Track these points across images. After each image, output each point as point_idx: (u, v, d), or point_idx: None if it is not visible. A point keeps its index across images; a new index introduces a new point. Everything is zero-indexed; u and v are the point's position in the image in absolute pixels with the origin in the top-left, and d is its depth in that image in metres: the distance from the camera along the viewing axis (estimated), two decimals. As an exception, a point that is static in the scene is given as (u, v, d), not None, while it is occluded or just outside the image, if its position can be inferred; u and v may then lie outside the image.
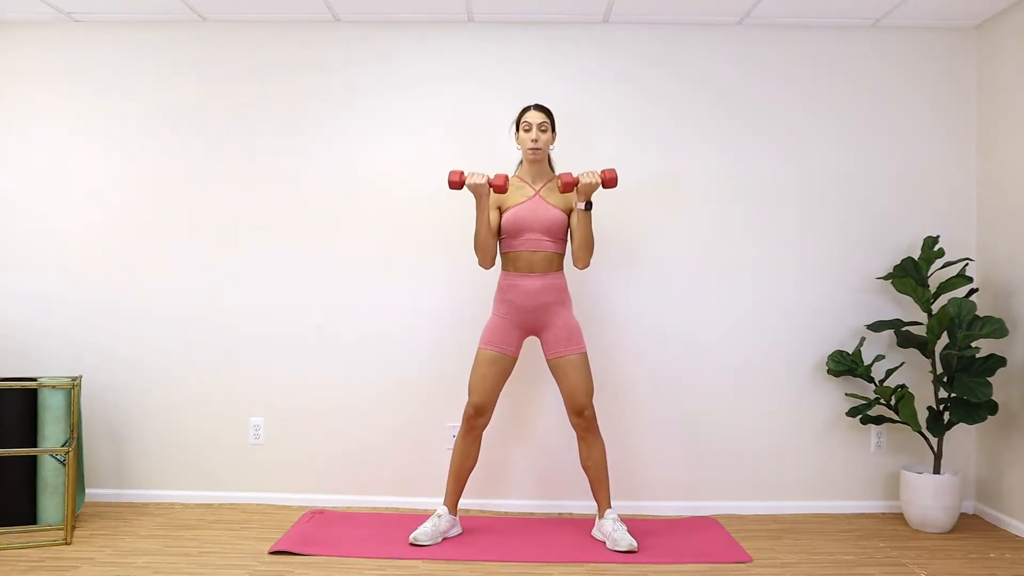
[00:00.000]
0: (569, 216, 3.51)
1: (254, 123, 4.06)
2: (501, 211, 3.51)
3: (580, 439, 3.51)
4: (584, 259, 3.49)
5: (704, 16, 3.94)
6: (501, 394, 3.60)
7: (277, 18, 4.02)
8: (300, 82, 4.05)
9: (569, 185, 3.40)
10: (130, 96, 4.07)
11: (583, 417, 3.46)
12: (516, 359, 3.53)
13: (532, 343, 3.82)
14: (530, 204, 3.47)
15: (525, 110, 3.54)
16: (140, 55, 4.07)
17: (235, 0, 3.83)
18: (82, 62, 4.07)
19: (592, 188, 3.40)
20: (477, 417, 3.49)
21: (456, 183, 3.40)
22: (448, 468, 3.58)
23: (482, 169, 3.90)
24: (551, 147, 3.57)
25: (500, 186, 3.40)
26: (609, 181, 3.40)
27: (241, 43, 4.06)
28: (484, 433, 3.59)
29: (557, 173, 3.60)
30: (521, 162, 3.61)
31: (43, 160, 4.07)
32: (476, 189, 3.38)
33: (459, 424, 3.57)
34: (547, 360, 3.51)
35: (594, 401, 3.50)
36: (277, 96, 4.06)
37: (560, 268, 3.52)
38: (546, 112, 3.53)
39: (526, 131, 3.50)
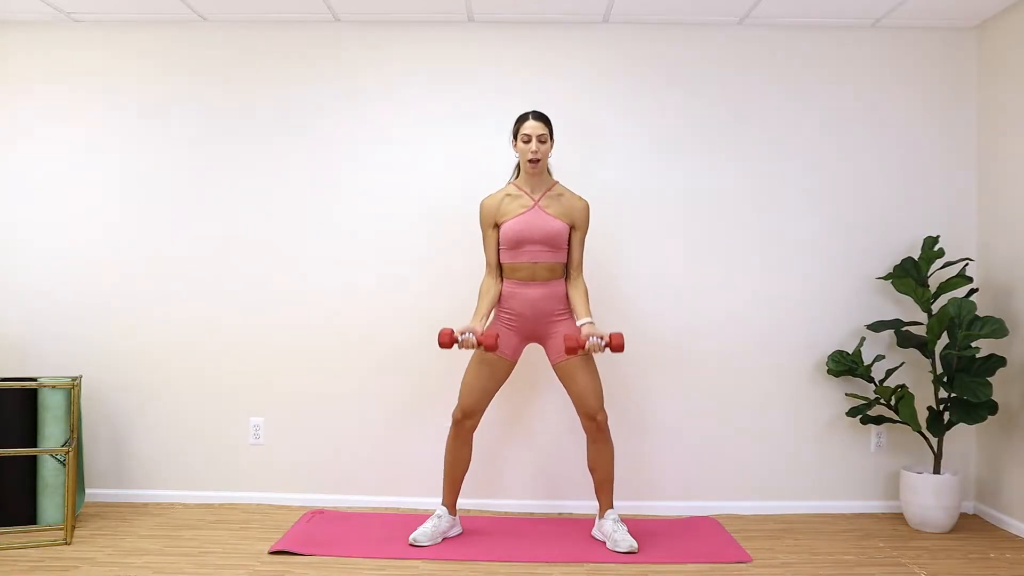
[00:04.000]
0: (570, 228, 3.48)
1: (254, 122, 4.06)
2: (500, 224, 3.47)
3: (591, 442, 3.47)
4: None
5: (704, 16, 3.94)
6: (501, 395, 3.59)
7: (277, 18, 4.02)
8: (300, 82, 4.05)
9: (573, 350, 3.28)
10: (130, 96, 4.07)
11: (596, 421, 3.41)
12: (513, 365, 3.50)
13: (532, 347, 3.82)
14: (529, 215, 3.43)
15: (523, 119, 3.43)
16: (140, 55, 4.07)
17: (235, 0, 3.83)
18: (82, 62, 4.07)
19: (598, 352, 3.33)
20: (464, 420, 3.46)
21: (446, 344, 3.29)
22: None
23: (481, 169, 3.92)
24: (549, 155, 3.50)
25: (491, 345, 3.28)
26: (616, 348, 3.29)
27: (241, 43, 4.06)
28: (484, 433, 3.58)
29: (555, 178, 3.56)
30: (518, 168, 3.56)
31: (43, 160, 4.07)
32: (467, 347, 3.32)
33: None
34: (553, 366, 3.49)
35: (594, 401, 3.49)
36: (277, 96, 4.05)
37: (562, 276, 3.49)
38: (545, 121, 3.43)
39: (525, 142, 3.41)
